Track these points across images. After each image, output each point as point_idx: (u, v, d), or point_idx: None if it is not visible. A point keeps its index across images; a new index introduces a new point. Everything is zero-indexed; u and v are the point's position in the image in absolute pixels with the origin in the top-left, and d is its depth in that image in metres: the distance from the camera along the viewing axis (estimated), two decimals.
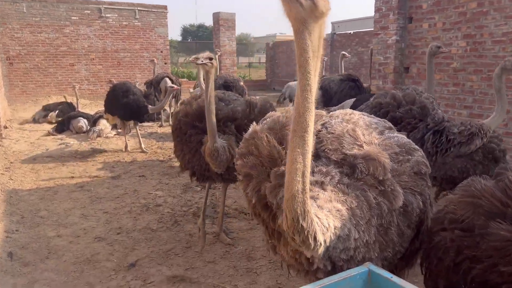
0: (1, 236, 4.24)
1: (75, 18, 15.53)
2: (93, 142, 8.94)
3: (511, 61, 3.51)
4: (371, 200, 1.74)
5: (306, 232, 1.52)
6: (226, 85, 8.15)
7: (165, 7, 17.24)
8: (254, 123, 2.27)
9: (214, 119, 3.30)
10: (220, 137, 3.40)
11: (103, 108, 10.07)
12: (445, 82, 6.33)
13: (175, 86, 7.46)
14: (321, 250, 1.60)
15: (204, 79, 3.43)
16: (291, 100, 8.39)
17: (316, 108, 1.66)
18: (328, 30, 22.25)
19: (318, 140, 1.95)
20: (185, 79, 20.28)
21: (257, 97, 4.04)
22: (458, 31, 6.12)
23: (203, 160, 3.50)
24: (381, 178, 1.77)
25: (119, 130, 9.74)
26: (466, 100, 6.10)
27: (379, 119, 2.30)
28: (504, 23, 5.58)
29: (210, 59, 3.20)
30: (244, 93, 8.29)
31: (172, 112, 10.85)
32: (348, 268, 1.67)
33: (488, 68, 5.83)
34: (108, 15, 16.08)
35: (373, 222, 1.73)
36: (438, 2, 6.29)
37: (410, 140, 2.12)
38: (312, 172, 1.77)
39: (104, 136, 9.42)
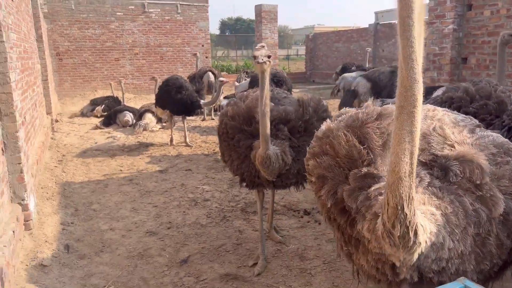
0: (58, 228, 4.36)
1: (119, 14, 15.88)
2: (139, 136, 9.11)
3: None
4: (468, 206, 1.58)
5: (408, 223, 1.39)
6: (276, 80, 7.90)
7: (206, 1, 17.30)
8: (325, 122, 2.16)
9: (269, 124, 2.94)
10: (272, 142, 3.06)
11: (148, 102, 10.23)
12: (509, 73, 5.90)
13: (225, 80, 7.38)
14: (417, 252, 1.46)
15: (252, 79, 3.25)
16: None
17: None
18: (370, 20, 21.62)
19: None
20: (224, 73, 20.35)
21: (308, 94, 3.64)
22: None
23: (253, 166, 3.19)
24: (478, 182, 1.60)
25: (164, 124, 9.87)
26: None
27: (465, 115, 2.10)
28: None
29: (269, 56, 2.89)
30: (291, 89, 8.08)
31: (214, 107, 10.87)
32: (438, 281, 1.52)
33: None
34: (151, 10, 16.32)
35: (470, 231, 1.57)
36: None
37: (507, 139, 1.92)
38: None
39: (150, 129, 9.58)
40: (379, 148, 1.80)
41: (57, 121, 10.59)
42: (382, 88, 6.81)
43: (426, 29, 6.38)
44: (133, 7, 16.05)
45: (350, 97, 7.87)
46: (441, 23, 6.42)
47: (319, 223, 4.40)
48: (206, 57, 17.54)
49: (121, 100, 11.96)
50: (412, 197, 1.39)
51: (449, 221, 1.54)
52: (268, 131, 2.95)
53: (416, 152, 1.39)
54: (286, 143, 3.12)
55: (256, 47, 2.95)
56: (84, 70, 15.75)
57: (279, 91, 3.81)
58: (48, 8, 14.61)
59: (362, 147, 1.80)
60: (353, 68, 15.31)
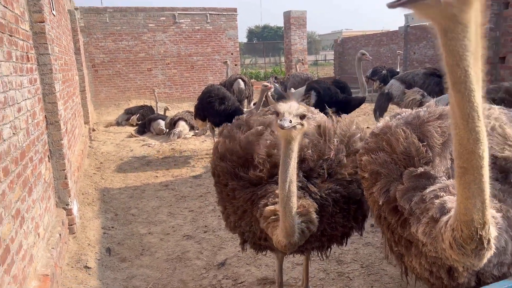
0: (99, 232, 4.52)
1: (151, 25, 16.34)
2: (173, 143, 9.31)
3: None
4: None
5: (483, 239, 1.33)
6: (339, 86, 7.46)
7: (235, 10, 17.54)
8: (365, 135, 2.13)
9: (295, 200, 1.98)
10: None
11: (181, 111, 10.44)
12: None
13: (269, 85, 6.85)
14: (486, 257, 1.40)
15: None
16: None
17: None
18: (400, 22, 21.28)
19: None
20: (253, 80, 20.51)
21: (334, 116, 2.62)
22: None
23: (257, 225, 2.26)
24: None
25: (197, 131, 10.04)
26: None
27: None
28: None
29: (302, 117, 1.91)
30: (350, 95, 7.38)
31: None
32: None
33: None
34: (182, 20, 16.70)
35: None
36: None
37: None
38: (452, 176, 1.61)
39: (183, 137, 9.77)
40: (438, 147, 1.74)
41: (94, 130, 10.97)
42: None
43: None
44: (164, 18, 16.47)
45: (385, 100, 7.79)
46: None
47: None
48: (236, 65, 17.74)
49: (155, 109, 12.26)
50: (487, 221, 1.31)
51: (511, 224, 1.50)
52: (294, 218, 1.97)
53: (488, 197, 1.28)
54: (308, 201, 2.10)
55: (280, 105, 1.94)
56: (118, 81, 16.26)
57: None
58: (84, 22, 15.22)
59: (421, 144, 1.76)
60: (383, 71, 15.15)
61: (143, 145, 9.39)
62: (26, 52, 3.57)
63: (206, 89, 7.89)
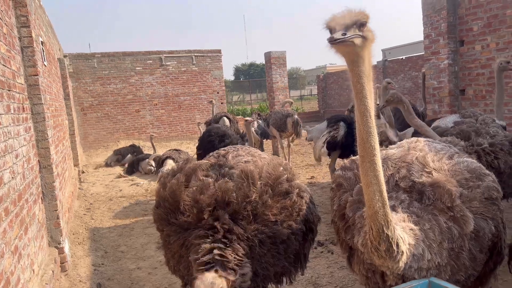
0: (90, 269, 4.73)
1: (139, 68, 16.96)
2: None
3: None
4: (442, 224, 1.84)
5: (390, 239, 1.68)
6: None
7: (219, 51, 18.33)
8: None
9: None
10: (208, 243, 2.15)
11: (169, 150, 10.75)
12: (506, 101, 6.20)
13: (250, 119, 7.06)
14: (402, 261, 1.73)
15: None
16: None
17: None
18: (379, 57, 22.32)
19: (387, 167, 2.09)
20: (240, 116, 21.09)
21: (265, 157, 2.74)
22: None
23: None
24: (449, 205, 1.87)
25: None
26: None
27: (445, 144, 2.42)
28: None
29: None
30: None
31: None
32: None
33: None
34: (168, 63, 17.38)
35: (445, 246, 1.83)
36: (489, 24, 6.29)
37: (480, 164, 2.18)
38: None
39: None
40: (387, 176, 2.07)
41: (83, 172, 11.21)
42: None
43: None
44: (151, 61, 17.13)
45: None
46: (437, 59, 6.85)
47: (332, 253, 4.65)
48: (222, 103, 18.31)
49: (154, 151, 12.16)
50: (389, 220, 1.68)
51: (427, 236, 1.81)
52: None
53: (384, 188, 1.68)
54: (245, 263, 2.15)
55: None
56: (107, 123, 16.64)
57: (237, 148, 2.87)
58: (73, 67, 15.76)
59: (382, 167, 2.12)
60: None
61: (131, 184, 9.64)
62: (22, 103, 3.94)
63: (208, 128, 7.95)
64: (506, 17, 6.01)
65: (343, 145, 6.44)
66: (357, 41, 1.55)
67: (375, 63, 21.58)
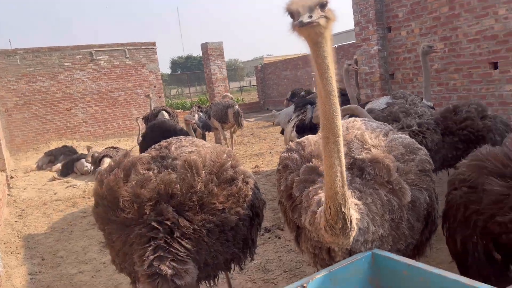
0: (26, 279, 4.42)
1: (67, 64, 15.98)
2: None
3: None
4: (383, 197, 1.93)
5: (346, 217, 1.71)
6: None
7: (153, 44, 17.78)
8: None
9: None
10: (150, 246, 2.07)
11: (107, 147, 10.30)
12: (431, 83, 6.65)
13: (189, 120, 6.71)
14: (352, 236, 1.77)
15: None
16: None
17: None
18: None
19: None
20: (180, 110, 20.71)
21: (209, 146, 2.71)
22: (434, 34, 6.49)
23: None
24: (387, 179, 1.96)
25: None
26: (452, 98, 6.41)
27: (380, 122, 2.53)
28: (476, 23, 5.95)
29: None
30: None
31: None
32: None
33: (467, 66, 6.16)
34: (99, 57, 16.55)
35: (386, 217, 1.92)
36: (412, 10, 6.68)
37: (413, 140, 2.32)
38: None
39: None
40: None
41: (12, 177, 10.41)
42: None
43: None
44: (80, 56, 16.22)
45: None
46: (367, 45, 7.17)
47: (279, 238, 4.73)
48: (160, 97, 17.84)
49: (88, 151, 11.68)
50: (347, 199, 1.71)
51: (370, 209, 1.89)
52: None
53: (344, 169, 1.71)
54: (184, 255, 2.09)
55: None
56: (35, 123, 15.56)
57: (180, 139, 2.80)
58: None
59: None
60: (302, 93, 16.13)
61: (67, 187, 9.12)
62: None
63: (152, 123, 7.63)
64: (427, 4, 6.42)
65: (312, 128, 6.54)
66: (322, 21, 1.54)
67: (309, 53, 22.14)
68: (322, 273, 1.68)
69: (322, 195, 1.91)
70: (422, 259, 2.41)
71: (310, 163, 2.10)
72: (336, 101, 1.65)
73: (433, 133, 3.80)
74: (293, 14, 1.53)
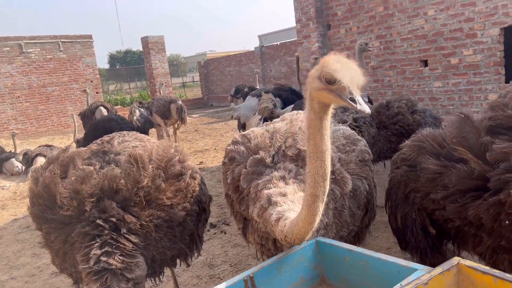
0: None
1: None
2: None
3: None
4: None
5: (315, 226, 1.66)
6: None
7: (90, 37, 16.94)
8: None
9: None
10: (93, 245, 1.98)
11: (40, 146, 9.68)
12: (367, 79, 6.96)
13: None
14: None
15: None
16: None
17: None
18: (255, 43, 23.09)
19: (276, 139, 2.17)
20: (119, 106, 19.94)
21: (154, 141, 2.61)
22: (371, 32, 6.79)
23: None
24: (331, 168, 2.03)
25: None
26: (387, 94, 6.76)
27: None
28: (408, 22, 6.31)
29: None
30: None
31: None
32: None
33: (401, 63, 6.52)
34: (30, 50, 15.47)
35: (330, 206, 1.99)
36: (350, 9, 6.94)
37: (353, 131, 2.41)
38: (277, 168, 2.02)
39: None
40: (277, 147, 2.15)
41: None
42: None
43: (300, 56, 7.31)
44: (8, 48, 15.05)
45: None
46: (308, 42, 7.35)
47: (225, 233, 4.73)
48: (97, 93, 17.06)
49: (14, 149, 10.87)
50: (321, 211, 1.63)
51: None
52: None
53: (325, 196, 1.62)
54: (132, 250, 2.04)
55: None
56: None
57: (123, 133, 2.71)
58: None
59: (270, 141, 2.16)
60: (245, 89, 16.21)
61: None
62: None
63: (96, 121, 7.22)
64: (364, 3, 6.70)
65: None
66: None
67: (253, 49, 22.32)
68: (268, 262, 1.70)
69: (272, 191, 1.91)
70: (362, 247, 2.53)
71: (257, 155, 2.11)
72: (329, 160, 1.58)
73: (369, 126, 3.99)
74: (334, 82, 1.38)
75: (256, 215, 1.95)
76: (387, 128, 4.06)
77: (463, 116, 1.88)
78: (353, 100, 1.35)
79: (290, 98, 7.20)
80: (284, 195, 1.87)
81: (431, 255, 2.05)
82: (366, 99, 4.85)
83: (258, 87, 16.64)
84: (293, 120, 2.36)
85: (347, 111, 4.17)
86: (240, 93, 16.10)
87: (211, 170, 7.92)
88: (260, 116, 6.65)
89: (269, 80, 20.67)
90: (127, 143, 2.50)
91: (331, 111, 1.50)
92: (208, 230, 4.89)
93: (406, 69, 6.48)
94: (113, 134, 2.70)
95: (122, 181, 2.11)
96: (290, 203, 1.84)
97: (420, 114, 4.07)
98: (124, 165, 2.18)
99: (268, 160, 2.08)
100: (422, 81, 6.34)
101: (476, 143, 1.75)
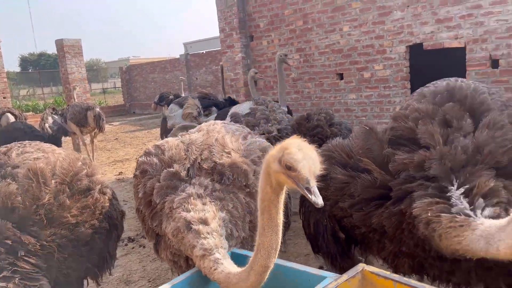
0: None
1: None
2: None
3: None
4: (242, 200, 1.97)
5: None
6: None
7: None
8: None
9: None
10: None
11: None
12: (288, 90, 7.19)
13: None
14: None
15: None
16: None
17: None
18: (181, 51, 22.81)
19: (191, 151, 2.09)
20: (30, 113, 18.42)
21: (60, 152, 2.41)
22: (291, 45, 7.04)
23: None
24: (245, 183, 2.01)
25: None
26: (306, 105, 7.04)
27: (239, 125, 2.58)
28: (326, 37, 6.64)
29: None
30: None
31: None
32: None
33: (319, 76, 6.84)
34: None
35: (247, 220, 1.97)
36: (272, 22, 7.14)
37: (269, 144, 2.41)
38: (193, 184, 1.94)
39: None
40: (191, 161, 2.06)
41: None
42: None
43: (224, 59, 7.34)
44: None
45: (167, 124, 8.30)
46: (232, 52, 7.42)
47: (144, 247, 4.53)
48: (4, 98, 15.52)
49: None
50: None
51: (232, 215, 1.91)
52: None
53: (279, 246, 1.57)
54: (33, 272, 1.89)
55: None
56: None
57: (24, 144, 2.47)
58: None
59: (185, 155, 2.06)
60: (170, 97, 15.87)
61: None
62: None
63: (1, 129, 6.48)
64: (285, 17, 6.94)
65: None
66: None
67: (178, 57, 22.02)
68: (180, 278, 1.65)
69: (191, 215, 1.81)
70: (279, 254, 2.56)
71: (171, 168, 2.03)
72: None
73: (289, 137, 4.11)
74: (295, 170, 1.40)
75: (171, 234, 1.88)
76: (307, 140, 4.22)
77: (367, 128, 1.99)
78: (309, 190, 1.39)
79: (214, 107, 7.21)
80: (205, 222, 1.80)
81: (340, 260, 2.14)
82: (285, 109, 4.99)
83: (183, 94, 16.40)
84: (210, 131, 2.31)
85: (269, 121, 4.25)
86: (164, 100, 15.67)
87: (131, 181, 7.59)
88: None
89: (195, 88, 20.47)
90: (27, 154, 2.28)
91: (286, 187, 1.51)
92: (126, 245, 4.66)
93: (324, 82, 6.81)
94: (12, 144, 2.45)
95: (19, 198, 1.93)
96: (215, 235, 1.77)
97: (337, 126, 4.28)
98: (22, 180, 1.99)
99: (183, 173, 2.01)
100: (338, 93, 6.70)
101: (380, 155, 1.86)
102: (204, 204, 1.88)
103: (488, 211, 1.51)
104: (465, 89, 1.90)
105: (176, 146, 2.14)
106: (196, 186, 1.94)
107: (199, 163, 2.06)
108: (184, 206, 1.87)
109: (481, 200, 1.53)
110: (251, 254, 1.79)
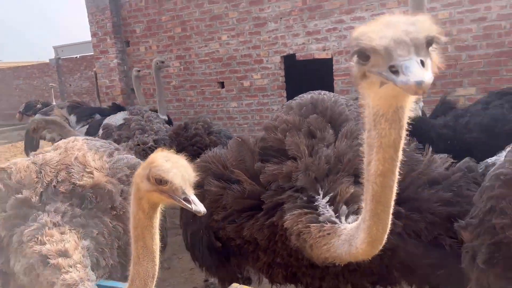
0: None
1: None
2: None
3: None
4: (109, 224, 1.80)
5: None
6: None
7: None
8: None
9: None
10: None
11: None
12: (169, 98, 7.00)
13: None
14: None
15: None
16: None
17: None
18: (51, 55, 20.79)
19: (45, 173, 1.86)
20: None
21: None
22: (171, 52, 6.88)
23: None
24: (110, 205, 1.84)
25: None
26: (189, 113, 6.94)
27: (104, 141, 2.36)
28: (205, 45, 6.64)
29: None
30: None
31: None
32: None
33: (200, 84, 6.81)
34: None
35: (115, 245, 1.81)
36: (149, 27, 6.89)
37: (139, 160, 2.24)
38: (47, 211, 1.71)
39: None
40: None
41: None
42: None
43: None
44: None
45: (32, 138, 7.42)
46: (106, 58, 6.96)
47: None
48: None
49: None
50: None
51: (98, 242, 1.74)
52: None
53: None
54: None
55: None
56: None
57: None
58: None
59: (39, 174, 1.85)
60: (38, 105, 14.30)
61: None
62: None
63: None
64: (163, 23, 6.75)
65: None
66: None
67: (48, 61, 20.07)
68: None
69: (46, 249, 1.61)
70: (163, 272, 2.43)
71: (20, 195, 1.76)
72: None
73: (168, 149, 3.96)
74: (166, 183, 1.27)
75: (23, 273, 1.65)
76: (186, 150, 4.10)
77: (240, 140, 1.99)
78: (187, 200, 1.30)
79: (86, 117, 6.67)
80: (65, 254, 1.61)
81: (216, 270, 2.12)
82: (166, 118, 4.83)
83: (54, 103, 14.91)
84: (68, 148, 2.07)
85: (146, 132, 4.05)
86: (31, 110, 14.10)
87: None
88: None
89: (69, 96, 18.83)
90: None
91: (160, 208, 1.41)
92: None
93: (206, 90, 6.79)
94: None
95: None
96: (79, 267, 1.60)
97: (216, 134, 4.27)
98: None
99: (35, 199, 1.76)
100: (220, 101, 6.74)
101: (251, 166, 1.86)
102: (62, 233, 1.67)
103: (352, 218, 1.60)
104: (326, 101, 2.02)
105: (25, 168, 1.86)
106: (52, 213, 1.72)
107: (54, 186, 1.82)
108: (37, 238, 1.64)
109: (344, 207, 1.62)
110: (121, 285, 1.64)
